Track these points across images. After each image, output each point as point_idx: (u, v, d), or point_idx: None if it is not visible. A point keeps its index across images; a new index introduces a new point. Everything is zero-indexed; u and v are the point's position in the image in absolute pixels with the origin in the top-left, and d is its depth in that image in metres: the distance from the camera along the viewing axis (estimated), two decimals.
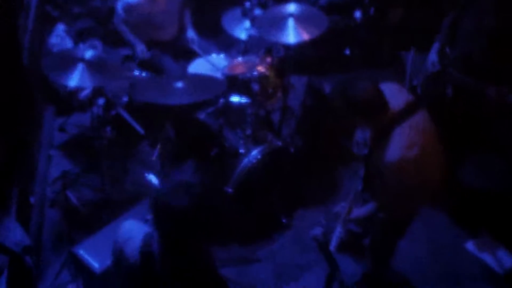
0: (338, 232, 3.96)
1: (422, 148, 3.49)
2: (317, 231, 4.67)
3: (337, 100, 3.62)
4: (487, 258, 4.86)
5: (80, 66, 4.44)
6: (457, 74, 4.70)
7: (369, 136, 3.83)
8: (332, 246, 3.79)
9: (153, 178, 5.04)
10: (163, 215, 2.63)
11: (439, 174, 3.73)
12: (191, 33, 5.92)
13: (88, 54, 4.58)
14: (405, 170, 3.47)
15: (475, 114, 4.79)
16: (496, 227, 5.08)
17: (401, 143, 3.47)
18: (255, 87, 5.20)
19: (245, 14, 5.51)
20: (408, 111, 3.55)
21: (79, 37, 6.68)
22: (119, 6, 5.66)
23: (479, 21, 4.49)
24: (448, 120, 4.70)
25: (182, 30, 6.00)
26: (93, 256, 4.02)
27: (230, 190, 4.69)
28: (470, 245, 4.98)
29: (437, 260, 4.88)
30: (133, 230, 2.85)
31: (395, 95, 3.60)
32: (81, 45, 6.43)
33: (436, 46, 4.93)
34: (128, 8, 5.61)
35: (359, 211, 4.01)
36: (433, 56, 4.90)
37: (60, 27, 6.52)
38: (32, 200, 4.77)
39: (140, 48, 5.68)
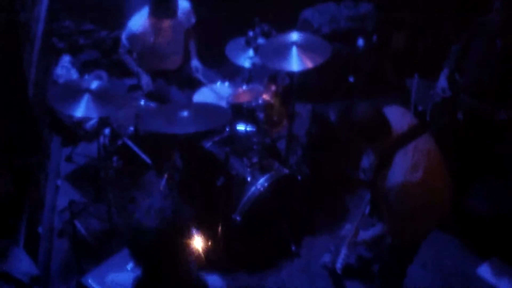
0: (343, 254, 3.94)
1: (426, 171, 3.48)
2: (327, 258, 4.67)
3: (340, 124, 3.63)
4: (500, 283, 4.83)
5: (86, 97, 4.46)
6: (469, 99, 4.70)
7: (373, 160, 3.83)
8: (338, 268, 3.77)
9: None
10: (136, 241, 2.58)
11: (445, 196, 3.73)
12: (195, 62, 5.97)
13: (94, 84, 4.60)
14: (409, 192, 3.47)
15: (486, 139, 4.79)
16: (507, 252, 5.05)
17: (404, 166, 3.46)
18: (260, 115, 5.22)
19: (249, 43, 5.54)
20: (411, 133, 3.56)
21: (85, 68, 6.75)
22: (124, 37, 5.71)
23: (490, 45, 4.51)
24: (457, 146, 4.71)
25: (186, 59, 6.04)
26: (102, 286, 3.98)
27: (238, 218, 4.69)
28: (481, 270, 4.95)
29: (447, 286, 4.86)
30: (120, 282, 2.81)
31: (399, 118, 3.62)
32: (86, 76, 6.48)
33: (445, 72, 4.94)
34: (133, 38, 5.65)
35: (366, 234, 3.99)
36: (442, 82, 4.91)
37: (66, 58, 6.58)
38: (40, 229, 4.77)
39: (145, 81, 5.72)
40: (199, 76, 5.81)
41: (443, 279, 4.91)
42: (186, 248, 2.60)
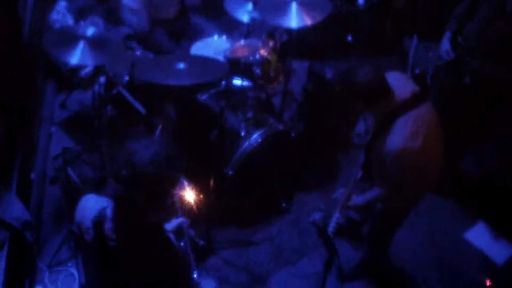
0: (335, 218, 3.96)
1: (425, 140, 3.47)
2: (316, 216, 4.71)
3: (340, 86, 3.61)
4: (485, 247, 4.90)
5: (81, 44, 4.43)
6: (476, 62, 4.66)
7: (372, 123, 3.82)
8: (330, 231, 3.79)
9: None
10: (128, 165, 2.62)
11: (439, 164, 3.74)
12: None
13: (90, 31, 4.55)
14: (406, 160, 3.46)
15: (496, 102, 4.78)
16: (495, 217, 5.10)
17: (404, 133, 3.45)
18: (257, 70, 5.20)
19: None
20: (414, 101, 3.53)
21: (80, 14, 6.64)
22: None
23: (498, 9, 4.46)
24: (460, 109, 4.69)
25: (183, 11, 5.98)
26: None
27: (230, 172, 4.70)
28: (468, 235, 5.01)
29: (435, 249, 4.92)
30: (90, 202, 2.86)
31: (402, 84, 3.59)
32: (82, 23, 6.39)
33: (447, 35, 4.90)
34: None
35: (358, 199, 4.00)
36: (445, 45, 4.86)
37: (61, 4, 6.46)
38: (32, 176, 4.77)
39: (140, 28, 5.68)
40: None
41: (430, 242, 4.97)
42: (167, 193, 2.74)
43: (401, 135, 3.45)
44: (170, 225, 3.55)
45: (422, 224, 5.01)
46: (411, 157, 3.46)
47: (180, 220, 3.55)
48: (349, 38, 6.46)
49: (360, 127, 4.23)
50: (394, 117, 3.48)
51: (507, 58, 4.50)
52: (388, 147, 3.47)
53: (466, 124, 4.91)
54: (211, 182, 4.84)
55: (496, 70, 4.55)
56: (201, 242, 4.66)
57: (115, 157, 2.63)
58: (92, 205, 2.81)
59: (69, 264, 4.60)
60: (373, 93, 3.46)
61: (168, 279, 2.79)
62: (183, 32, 5.87)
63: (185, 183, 4.23)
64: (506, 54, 4.50)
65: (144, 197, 2.66)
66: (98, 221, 2.73)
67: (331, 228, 3.82)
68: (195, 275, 3.54)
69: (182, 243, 3.62)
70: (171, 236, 3.00)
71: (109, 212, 2.73)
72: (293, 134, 5.08)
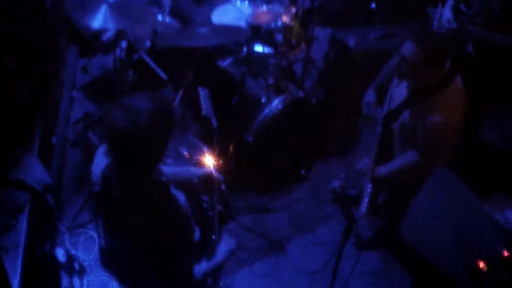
0: (368, 191, 3.89)
1: (458, 112, 3.47)
2: (336, 183, 4.70)
3: (419, 43, 3.48)
4: (503, 217, 4.86)
5: (103, 8, 4.40)
6: (479, 30, 4.60)
7: (409, 93, 3.73)
8: (363, 206, 3.74)
9: None
10: (106, 134, 2.61)
11: (459, 135, 3.72)
12: None
13: None
14: (441, 131, 3.45)
15: (500, 70, 4.71)
16: None
17: (449, 104, 3.44)
18: (279, 37, 5.18)
19: None
20: (453, 71, 3.51)
21: None
22: None
23: None
24: (467, 78, 4.65)
25: None
26: None
27: (250, 138, 4.71)
28: (487, 206, 4.97)
29: (453, 219, 4.86)
30: (101, 153, 2.82)
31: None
32: None
33: (449, 3, 4.83)
34: None
35: (381, 169, 3.95)
36: (447, 13, 4.81)
37: None
38: (54, 140, 4.81)
39: None
40: None
41: (447, 211, 4.92)
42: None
43: (447, 105, 3.44)
44: (198, 171, 3.58)
45: (441, 195, 4.96)
46: (446, 129, 3.44)
47: (209, 170, 3.55)
48: (373, 5, 6.37)
49: (370, 96, 4.16)
50: (441, 87, 3.45)
51: (508, 24, 4.45)
52: (425, 118, 3.45)
53: (482, 93, 4.85)
54: (231, 148, 4.85)
55: (499, 37, 4.49)
56: (219, 207, 4.69)
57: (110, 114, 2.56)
58: (102, 156, 2.78)
59: (89, 227, 4.69)
60: (440, 59, 3.44)
61: (172, 242, 2.79)
62: None
63: (205, 148, 4.25)
64: (509, 21, 4.44)
65: (142, 154, 2.62)
66: (106, 173, 2.73)
67: (364, 204, 3.79)
68: (214, 237, 3.56)
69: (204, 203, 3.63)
70: (181, 196, 2.96)
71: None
72: (313, 101, 5.05)
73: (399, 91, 3.75)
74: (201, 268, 3.12)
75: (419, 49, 3.37)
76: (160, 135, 2.62)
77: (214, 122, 3.80)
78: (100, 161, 2.81)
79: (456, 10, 4.76)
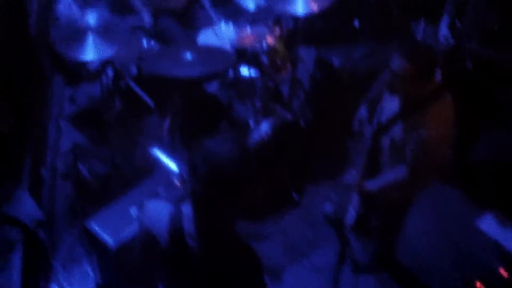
0: (354, 207, 3.88)
1: (448, 126, 3.50)
2: (328, 207, 4.68)
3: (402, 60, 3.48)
4: (499, 236, 4.87)
5: (90, 37, 4.38)
6: (476, 46, 4.62)
7: (399, 106, 3.74)
8: (348, 223, 3.73)
9: (161, 152, 5.02)
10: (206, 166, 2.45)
11: (449, 151, 3.74)
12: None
13: (96, 22, 4.51)
14: (431, 146, 3.48)
15: (499, 87, 4.73)
16: (508, 205, 5.02)
17: (440, 119, 3.47)
18: (264, 59, 5.17)
19: None
20: (444, 86, 3.54)
21: (86, 3, 6.61)
22: None
23: None
24: (465, 94, 4.67)
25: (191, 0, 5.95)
26: (107, 230, 3.92)
27: None
28: (481, 223, 4.98)
29: (448, 238, 4.88)
30: (158, 210, 2.72)
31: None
32: (88, 12, 6.35)
33: (445, 20, 4.85)
34: None
35: (373, 184, 3.94)
36: (444, 30, 4.83)
37: None
38: (43, 172, 4.77)
39: (148, 20, 5.63)
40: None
41: (442, 230, 4.94)
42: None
43: (438, 121, 3.46)
44: None
45: (434, 214, 4.98)
46: (435, 144, 3.48)
47: None
48: (356, 23, 6.40)
49: (362, 113, 4.17)
50: (429, 101, 3.47)
51: (506, 41, 4.47)
52: (423, 132, 3.46)
53: (478, 108, 4.87)
54: None
55: (497, 54, 4.52)
56: None
57: (191, 154, 2.47)
58: (160, 211, 2.69)
59: (83, 262, 4.61)
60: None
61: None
62: (192, 21, 5.83)
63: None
64: (506, 37, 4.47)
65: (224, 196, 2.52)
66: (175, 226, 2.61)
67: (349, 220, 3.78)
68: None
69: None
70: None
71: (187, 211, 2.59)
72: (302, 123, 5.05)
73: (389, 106, 3.77)
74: None
75: (407, 60, 3.39)
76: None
77: None
78: (160, 220, 2.68)
79: (452, 27, 4.78)
